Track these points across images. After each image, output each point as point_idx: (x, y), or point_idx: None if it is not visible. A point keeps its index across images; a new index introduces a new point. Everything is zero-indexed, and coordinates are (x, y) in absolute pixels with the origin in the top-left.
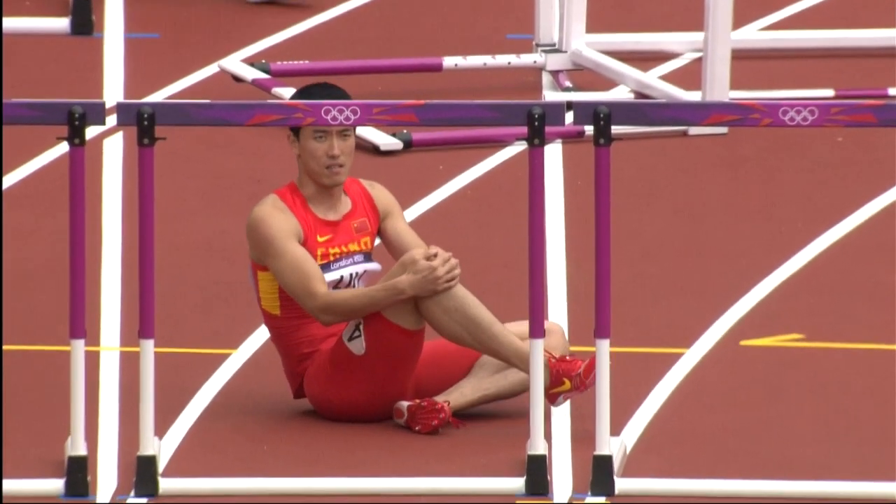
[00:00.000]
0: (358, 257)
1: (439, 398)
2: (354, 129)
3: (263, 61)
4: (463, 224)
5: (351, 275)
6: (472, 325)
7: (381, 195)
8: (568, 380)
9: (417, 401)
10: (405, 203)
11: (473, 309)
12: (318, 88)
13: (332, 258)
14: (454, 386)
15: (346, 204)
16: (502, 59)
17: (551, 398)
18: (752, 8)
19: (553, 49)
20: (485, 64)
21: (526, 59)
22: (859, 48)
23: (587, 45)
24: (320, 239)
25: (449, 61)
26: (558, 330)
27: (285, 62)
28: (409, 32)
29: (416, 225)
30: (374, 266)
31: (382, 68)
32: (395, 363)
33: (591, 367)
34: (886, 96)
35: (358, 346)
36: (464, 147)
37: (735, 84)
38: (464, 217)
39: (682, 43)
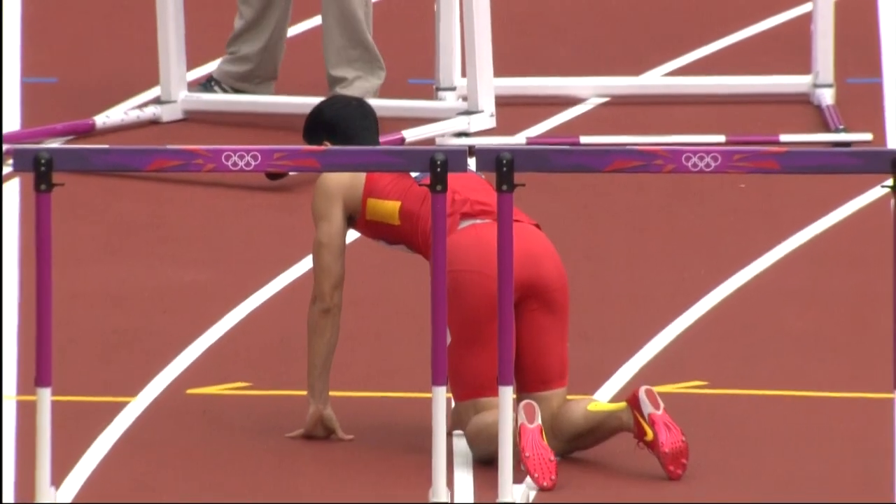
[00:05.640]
0: None
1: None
2: None
3: None
4: (366, 270)
5: None
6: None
7: None
8: (651, 430)
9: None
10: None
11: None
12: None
13: None
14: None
15: None
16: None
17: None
18: (653, 53)
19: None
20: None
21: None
22: (748, 94)
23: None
24: None
25: None
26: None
27: None
28: (302, 73)
29: None
30: None
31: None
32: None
33: (671, 448)
34: (777, 142)
35: None
36: None
37: (630, 130)
38: (369, 262)
39: (587, 88)
